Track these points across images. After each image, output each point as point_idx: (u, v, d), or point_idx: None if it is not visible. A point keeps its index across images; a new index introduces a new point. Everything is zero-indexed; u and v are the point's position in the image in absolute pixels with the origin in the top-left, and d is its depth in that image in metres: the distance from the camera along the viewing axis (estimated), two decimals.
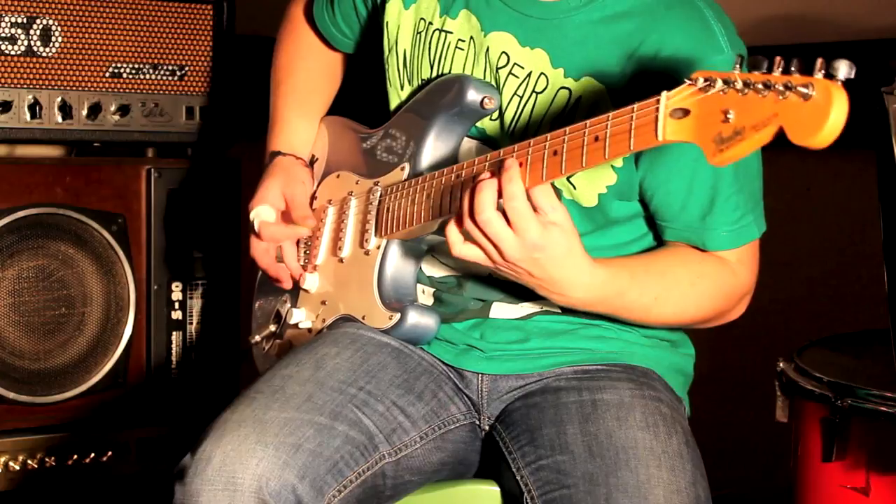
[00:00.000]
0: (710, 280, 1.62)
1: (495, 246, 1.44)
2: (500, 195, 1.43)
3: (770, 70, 1.16)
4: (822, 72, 1.12)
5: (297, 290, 1.88)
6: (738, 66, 1.20)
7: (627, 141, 1.31)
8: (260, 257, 1.85)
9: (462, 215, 1.46)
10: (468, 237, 1.47)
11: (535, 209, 1.43)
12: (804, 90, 1.12)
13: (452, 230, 1.48)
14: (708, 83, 1.21)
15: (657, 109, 1.27)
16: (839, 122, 1.11)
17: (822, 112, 1.11)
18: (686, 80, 1.24)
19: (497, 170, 1.45)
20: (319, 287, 1.84)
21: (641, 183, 1.60)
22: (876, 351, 1.95)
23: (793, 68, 1.14)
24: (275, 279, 1.87)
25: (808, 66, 1.13)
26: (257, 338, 1.96)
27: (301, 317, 1.86)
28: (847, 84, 1.12)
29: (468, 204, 1.44)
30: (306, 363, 1.64)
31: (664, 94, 1.27)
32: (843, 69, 1.12)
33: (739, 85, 1.18)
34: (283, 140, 1.94)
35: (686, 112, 1.24)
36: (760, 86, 1.16)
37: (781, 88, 1.14)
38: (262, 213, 1.83)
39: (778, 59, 1.16)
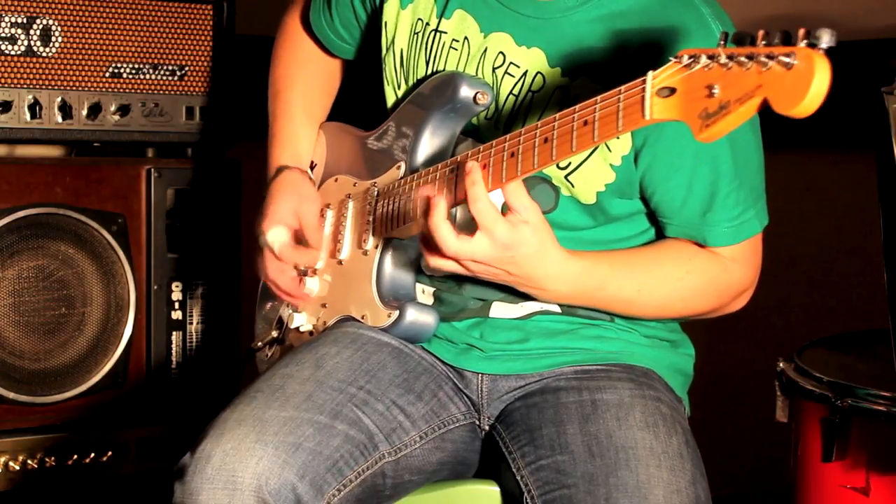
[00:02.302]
0: (700, 277, 1.63)
1: (470, 260, 1.48)
2: (465, 199, 1.47)
3: (754, 43, 1.17)
4: (805, 41, 1.12)
5: None
6: (722, 41, 1.20)
7: (615, 122, 1.32)
8: (280, 277, 1.81)
9: (428, 249, 1.50)
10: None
11: (508, 209, 1.46)
12: (786, 59, 1.12)
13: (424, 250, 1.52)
14: (692, 60, 1.22)
15: (643, 90, 1.27)
16: (822, 89, 1.11)
17: (805, 80, 1.11)
18: (671, 59, 1.25)
19: (455, 176, 1.50)
20: (319, 290, 1.84)
21: (642, 181, 1.61)
22: (876, 351, 1.95)
23: (776, 40, 1.15)
24: (291, 299, 1.84)
25: (790, 36, 1.14)
26: (260, 343, 1.96)
27: (302, 321, 1.86)
28: (829, 53, 1.12)
29: (431, 243, 1.48)
30: (306, 362, 1.64)
31: (650, 73, 1.27)
32: (825, 37, 1.12)
33: (723, 59, 1.18)
34: (290, 152, 1.93)
35: (672, 90, 1.25)
36: (744, 58, 1.16)
37: (764, 59, 1.14)
38: (278, 235, 1.79)
39: (761, 32, 1.16)
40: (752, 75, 1.15)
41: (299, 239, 1.82)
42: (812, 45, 1.12)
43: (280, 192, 1.85)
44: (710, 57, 1.20)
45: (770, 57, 1.13)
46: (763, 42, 1.16)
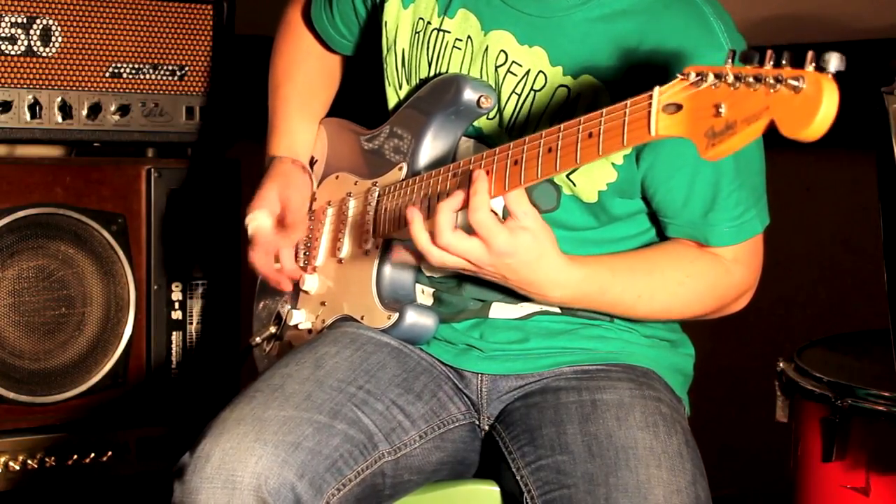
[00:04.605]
0: (701, 279, 1.63)
1: (466, 259, 1.49)
2: (465, 205, 1.47)
3: (762, 63, 1.16)
4: (813, 64, 1.12)
5: (296, 291, 1.88)
6: (730, 60, 1.20)
7: (621, 137, 1.31)
8: (259, 264, 1.84)
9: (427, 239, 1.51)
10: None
11: (509, 214, 1.47)
12: (795, 83, 1.12)
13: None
14: (700, 77, 1.22)
15: (650, 105, 1.27)
16: (830, 114, 1.11)
17: (813, 104, 1.11)
18: (678, 75, 1.25)
19: (465, 180, 1.49)
20: (319, 288, 1.84)
21: (643, 181, 1.61)
22: (876, 351, 1.95)
23: (784, 61, 1.14)
24: (275, 284, 1.87)
25: (799, 58, 1.13)
26: (258, 339, 1.96)
27: (301, 318, 1.86)
28: (838, 77, 1.12)
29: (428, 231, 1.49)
30: (306, 362, 1.64)
31: (657, 89, 1.27)
32: (834, 62, 1.12)
33: (731, 79, 1.18)
34: (284, 144, 1.94)
35: (679, 107, 1.24)
36: (751, 79, 1.16)
37: (772, 81, 1.14)
38: (258, 218, 1.82)
39: (769, 52, 1.16)
40: (759, 96, 1.15)
41: (284, 225, 1.84)
42: (821, 69, 1.12)
43: (268, 180, 1.87)
44: (718, 76, 1.20)
45: (778, 80, 1.13)
46: (771, 62, 1.15)
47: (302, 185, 1.88)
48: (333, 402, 1.57)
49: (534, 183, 1.45)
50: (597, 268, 1.58)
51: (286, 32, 2.02)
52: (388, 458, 1.59)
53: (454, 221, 1.48)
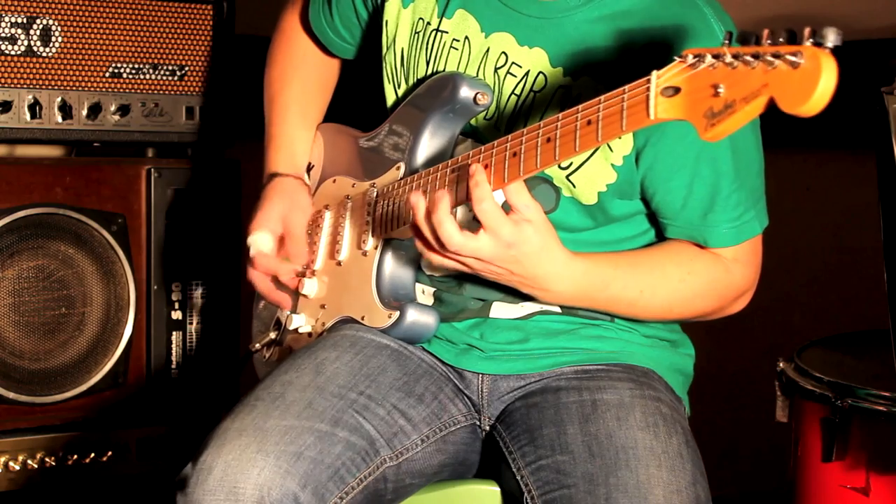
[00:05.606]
0: (701, 278, 1.63)
1: (472, 257, 1.48)
2: (468, 199, 1.47)
3: (759, 42, 1.16)
4: (811, 40, 1.12)
5: (295, 295, 1.88)
6: (726, 41, 1.20)
7: (619, 122, 1.31)
8: (258, 283, 1.84)
9: (428, 247, 1.51)
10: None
11: (511, 208, 1.46)
12: (793, 58, 1.12)
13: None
14: (697, 59, 1.22)
15: (648, 89, 1.27)
16: (829, 88, 1.11)
17: (812, 79, 1.11)
18: (675, 58, 1.25)
19: (462, 177, 1.49)
20: (318, 292, 1.84)
21: (643, 182, 1.61)
22: (876, 351, 1.95)
23: (781, 39, 1.14)
24: (274, 304, 1.86)
25: (795, 35, 1.13)
26: (258, 345, 1.95)
27: (300, 322, 1.86)
28: (835, 52, 1.12)
29: (434, 241, 1.49)
30: (306, 368, 1.63)
31: (654, 72, 1.27)
32: (832, 37, 1.12)
33: (728, 58, 1.18)
34: (284, 158, 1.93)
35: (677, 90, 1.24)
36: (749, 57, 1.16)
37: (770, 58, 1.14)
38: (259, 241, 1.81)
39: (766, 31, 1.16)
40: (757, 74, 1.15)
41: (284, 247, 1.83)
42: (818, 45, 1.12)
43: (271, 198, 1.85)
44: (716, 56, 1.20)
45: (776, 56, 1.13)
46: (768, 41, 1.15)
47: (305, 207, 1.86)
48: (334, 410, 1.56)
49: (533, 174, 1.45)
50: (599, 261, 1.58)
51: (282, 38, 2.01)
52: (391, 464, 1.59)
53: (456, 223, 1.48)
